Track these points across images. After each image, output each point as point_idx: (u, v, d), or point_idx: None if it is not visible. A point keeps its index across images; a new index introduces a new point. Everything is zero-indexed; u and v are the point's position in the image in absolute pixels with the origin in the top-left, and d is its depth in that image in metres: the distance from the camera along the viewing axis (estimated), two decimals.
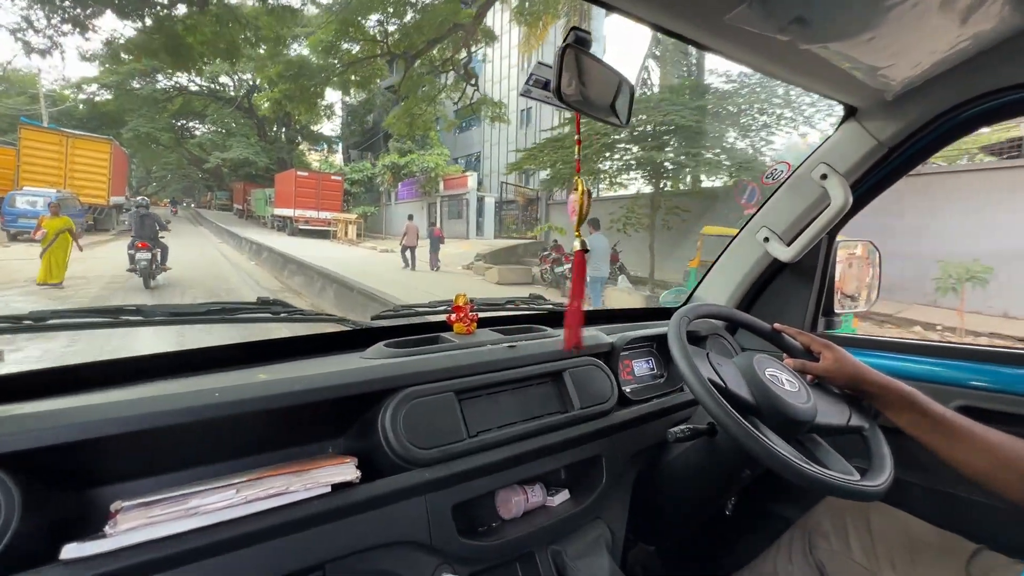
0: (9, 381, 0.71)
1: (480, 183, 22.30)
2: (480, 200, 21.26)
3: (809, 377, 0.98)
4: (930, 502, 1.09)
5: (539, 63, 0.80)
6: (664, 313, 1.58)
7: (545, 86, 0.80)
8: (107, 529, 0.59)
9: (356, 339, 1.06)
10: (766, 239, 1.34)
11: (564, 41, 0.73)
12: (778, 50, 0.81)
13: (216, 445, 0.75)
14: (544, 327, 1.20)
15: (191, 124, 35.55)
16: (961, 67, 0.92)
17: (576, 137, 0.83)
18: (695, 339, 1.33)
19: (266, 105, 20.68)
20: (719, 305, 1.11)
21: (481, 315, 1.13)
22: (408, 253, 15.15)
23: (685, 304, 1.30)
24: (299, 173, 23.58)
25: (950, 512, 1.06)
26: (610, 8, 0.70)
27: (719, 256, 1.52)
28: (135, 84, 29.47)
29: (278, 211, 25.81)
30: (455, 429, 0.86)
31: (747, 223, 1.43)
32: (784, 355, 1.03)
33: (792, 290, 1.43)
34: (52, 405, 0.62)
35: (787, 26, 0.72)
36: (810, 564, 0.99)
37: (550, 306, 1.38)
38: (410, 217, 16.42)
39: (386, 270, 13.98)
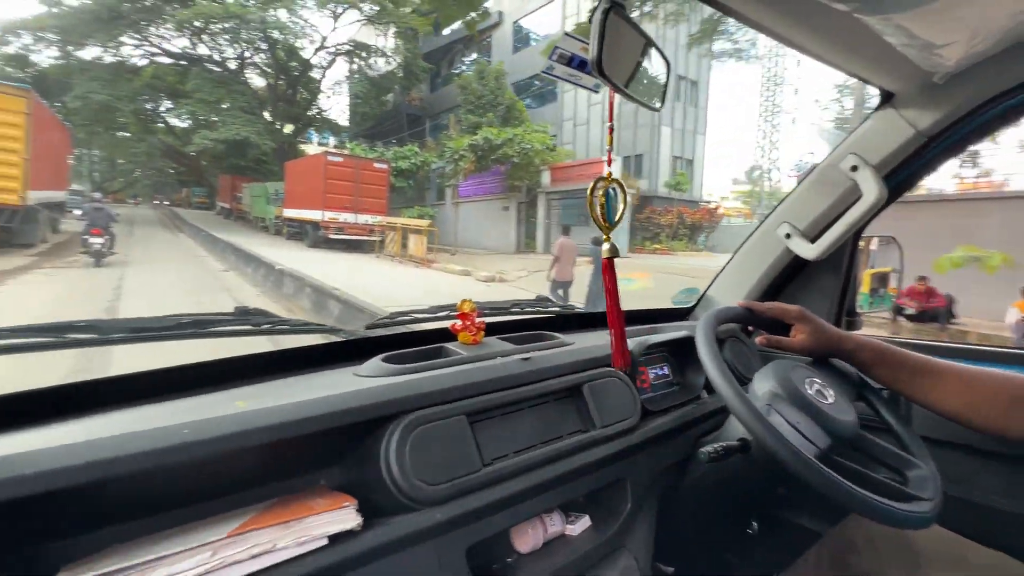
0: None
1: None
2: None
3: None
4: (972, 518, 1.02)
5: (565, 35, 0.73)
6: (674, 314, 1.48)
7: (570, 62, 0.73)
8: None
9: (349, 351, 0.92)
10: (788, 235, 1.27)
11: (600, 1, 0.59)
12: (823, 21, 0.75)
13: (187, 486, 0.62)
14: (555, 334, 1.09)
15: (162, 108, 27.77)
16: (1018, 47, 0.85)
17: (608, 124, 0.72)
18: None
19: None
20: (739, 308, 1.00)
21: (485, 320, 1.01)
22: (562, 292, 8.34)
23: (697, 304, 1.48)
24: (331, 157, 16.19)
25: (995, 529, 1.01)
26: None
27: (734, 253, 1.44)
28: (92, 49, 21.58)
29: (291, 212, 18.37)
30: (469, 458, 0.74)
31: (766, 217, 1.35)
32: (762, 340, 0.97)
33: (813, 289, 1.38)
34: None
35: None
36: None
37: (558, 308, 1.29)
38: (565, 230, 9.29)
39: None
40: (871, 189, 1.09)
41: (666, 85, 0.75)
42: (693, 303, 1.51)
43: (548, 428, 0.87)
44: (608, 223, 0.75)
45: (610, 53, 0.62)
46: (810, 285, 1.38)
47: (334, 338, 0.96)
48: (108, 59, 23.03)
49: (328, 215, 15.74)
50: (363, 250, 16.48)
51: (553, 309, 1.27)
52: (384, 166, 17.24)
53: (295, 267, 8.91)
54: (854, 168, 1.10)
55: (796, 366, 0.89)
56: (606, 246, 0.77)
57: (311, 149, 29.31)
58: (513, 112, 16.79)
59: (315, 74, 28.01)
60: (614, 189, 0.75)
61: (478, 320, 0.97)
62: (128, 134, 28.30)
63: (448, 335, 0.99)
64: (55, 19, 20.26)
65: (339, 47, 26.52)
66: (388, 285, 9.20)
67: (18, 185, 10.10)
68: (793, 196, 1.29)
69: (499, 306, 1.17)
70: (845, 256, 1.31)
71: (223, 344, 0.86)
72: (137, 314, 0.84)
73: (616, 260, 0.83)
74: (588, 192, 0.74)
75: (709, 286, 1.49)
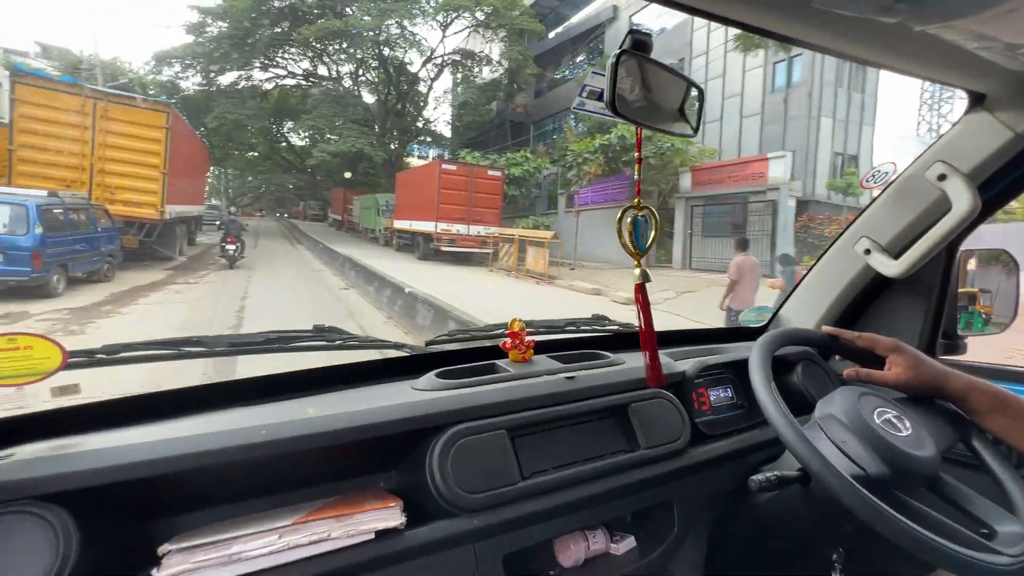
0: (74, 413, 0.74)
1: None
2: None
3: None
4: None
5: (593, 72, 0.77)
6: (743, 334, 1.42)
7: (600, 97, 0.76)
8: (153, 573, 0.59)
9: (410, 365, 1.00)
10: (867, 251, 1.16)
11: (620, 46, 0.65)
12: (880, 34, 0.69)
13: (267, 479, 0.75)
14: (608, 353, 1.10)
15: (285, 128, 29.67)
16: None
17: (636, 155, 0.78)
18: (782, 366, 1.16)
19: None
20: (807, 330, 1.01)
21: (539, 339, 1.08)
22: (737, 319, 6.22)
23: (768, 326, 1.40)
24: (446, 165, 15.37)
25: None
26: (682, 8, 0.64)
27: (807, 271, 1.34)
28: (227, 74, 23.30)
29: (402, 223, 17.92)
30: (507, 471, 0.79)
31: (842, 232, 1.25)
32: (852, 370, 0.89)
33: (899, 310, 1.26)
34: (111, 439, 0.66)
35: (894, 5, 0.58)
36: None
37: (616, 327, 1.27)
38: (742, 245, 7.07)
39: None
40: (963, 199, 0.97)
41: (699, 113, 0.76)
42: (764, 323, 1.44)
43: (590, 446, 0.89)
44: (639, 250, 0.77)
45: (626, 93, 0.65)
46: (895, 305, 1.26)
47: (398, 353, 1.04)
48: (241, 84, 24.84)
49: (441, 226, 14.89)
50: (472, 262, 15.51)
51: (611, 328, 1.25)
52: (498, 173, 16.12)
53: (419, 287, 7.89)
54: (942, 177, 1.00)
55: (868, 394, 0.84)
56: (637, 271, 0.78)
57: (413, 162, 29.54)
58: None
59: (422, 87, 28.23)
60: (644, 217, 0.77)
61: (528, 339, 1.01)
62: (256, 153, 30.65)
63: (502, 352, 1.01)
64: (199, 47, 21.97)
65: (446, 58, 26.41)
66: (528, 311, 7.74)
67: (157, 200, 10.17)
68: (872, 209, 1.18)
69: (554, 325, 1.20)
70: (938, 273, 1.20)
71: (306, 356, 0.95)
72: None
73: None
74: (617, 220, 0.75)
75: (781, 305, 1.41)
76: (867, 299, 1.27)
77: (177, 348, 0.86)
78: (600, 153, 13.22)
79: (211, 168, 24.49)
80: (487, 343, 1.09)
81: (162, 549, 0.61)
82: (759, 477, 0.79)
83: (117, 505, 0.63)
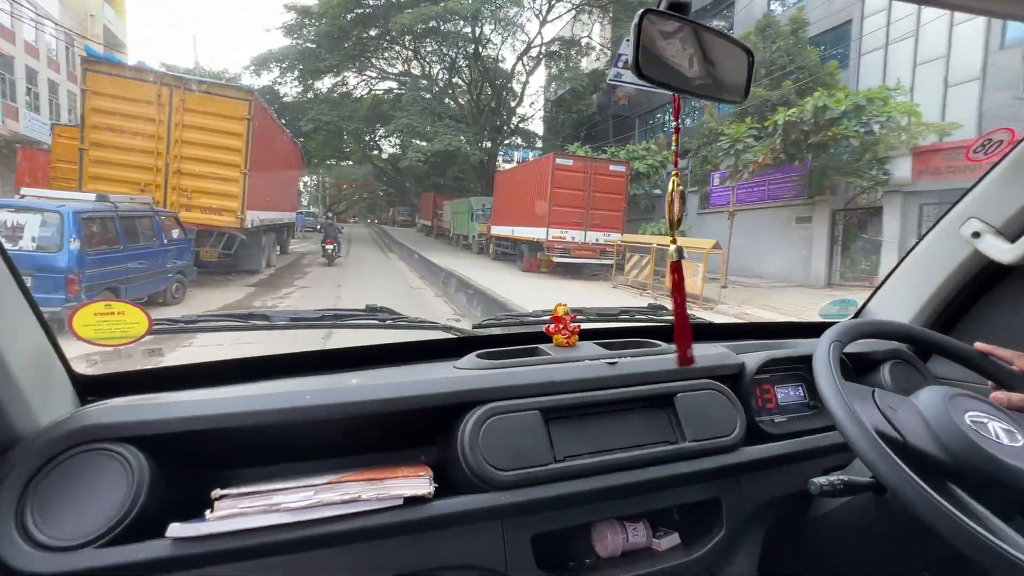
0: (152, 375, 0.85)
1: None
2: None
3: None
4: None
5: (627, 40, 0.72)
6: (823, 329, 1.24)
7: None
8: (207, 513, 0.66)
9: (455, 347, 1.02)
10: (975, 234, 1.02)
11: (658, 5, 0.61)
12: None
13: (315, 444, 0.79)
14: (659, 342, 1.07)
15: (377, 136, 29.19)
16: None
17: (674, 124, 0.72)
18: (866, 365, 1.06)
19: None
20: (887, 322, 0.88)
21: (588, 326, 1.06)
22: None
23: (855, 319, 1.26)
24: (560, 160, 12.86)
25: None
26: None
27: (903, 258, 1.19)
28: (323, 79, 22.84)
29: (502, 230, 15.72)
30: (539, 451, 0.80)
31: (944, 214, 1.09)
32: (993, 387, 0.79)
33: (1020, 303, 1.08)
34: (180, 396, 0.75)
35: None
36: None
37: (673, 318, 1.16)
38: None
39: None
40: None
41: (748, 77, 0.68)
42: (848, 317, 1.29)
43: (630, 435, 0.87)
44: (678, 223, 0.73)
45: (654, 55, 0.61)
46: (1012, 298, 1.08)
47: (446, 335, 1.07)
48: (337, 90, 24.43)
49: (553, 233, 12.40)
50: (583, 275, 12.90)
51: (668, 318, 1.21)
52: (622, 168, 13.31)
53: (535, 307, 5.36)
54: None
55: (963, 394, 0.73)
56: (672, 248, 0.76)
57: (501, 166, 27.51)
58: (820, 78, 11.14)
59: (515, 85, 26.30)
60: (682, 189, 0.65)
61: (574, 324, 1.00)
62: (351, 162, 30.58)
63: (547, 338, 1.02)
64: (295, 49, 21.56)
65: (543, 48, 24.19)
66: None
67: (236, 205, 8.59)
68: (983, 185, 1.03)
69: (606, 312, 1.19)
70: None
71: (362, 334, 1.02)
72: None
73: None
74: (669, 191, 0.69)
75: (870, 298, 1.26)
76: (975, 291, 1.11)
77: (244, 320, 0.99)
78: (779, 136, 9.90)
79: (306, 175, 24.34)
80: (535, 329, 1.09)
81: (215, 494, 0.68)
82: (821, 480, 0.72)
83: (184, 455, 0.72)
